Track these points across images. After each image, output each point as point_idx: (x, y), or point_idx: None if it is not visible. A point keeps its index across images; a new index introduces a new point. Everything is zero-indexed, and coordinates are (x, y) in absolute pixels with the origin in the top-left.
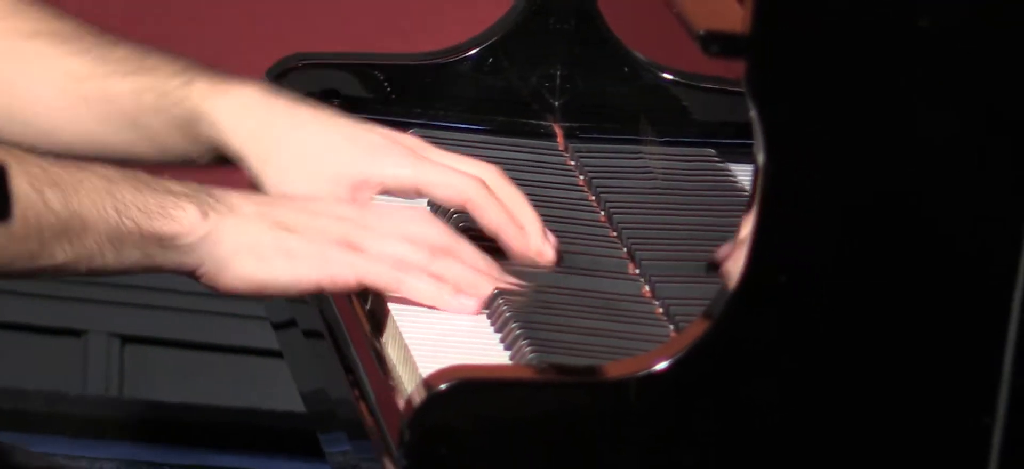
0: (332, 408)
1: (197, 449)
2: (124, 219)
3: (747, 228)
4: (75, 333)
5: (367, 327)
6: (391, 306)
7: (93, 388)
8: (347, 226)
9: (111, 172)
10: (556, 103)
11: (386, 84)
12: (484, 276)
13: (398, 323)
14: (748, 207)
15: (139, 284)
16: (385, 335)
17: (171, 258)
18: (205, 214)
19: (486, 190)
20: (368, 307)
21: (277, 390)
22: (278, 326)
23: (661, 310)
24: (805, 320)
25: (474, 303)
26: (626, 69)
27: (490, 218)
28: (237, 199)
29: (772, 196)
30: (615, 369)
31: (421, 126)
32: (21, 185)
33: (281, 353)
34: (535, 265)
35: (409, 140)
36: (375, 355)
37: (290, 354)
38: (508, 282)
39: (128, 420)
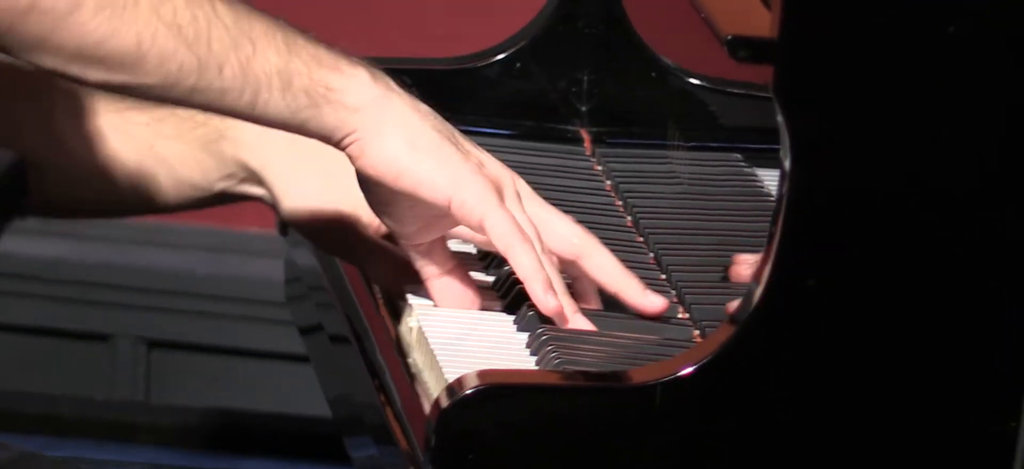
0: (358, 413)
1: (224, 454)
2: (294, 58)
3: (772, 233)
4: (102, 338)
5: (393, 331)
6: (417, 309)
7: (120, 393)
8: (504, 177)
9: (284, 21)
10: (583, 108)
11: (414, 88)
12: (562, 305)
13: (424, 327)
14: (775, 212)
15: (166, 289)
16: (412, 340)
17: (335, 114)
18: (375, 80)
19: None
20: (395, 312)
21: (303, 395)
22: (305, 331)
23: (687, 315)
24: (831, 326)
25: (553, 306)
26: (653, 74)
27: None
28: (416, 99)
29: (799, 201)
30: (640, 374)
31: None
32: None
33: (308, 358)
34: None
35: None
36: (401, 359)
37: (316, 359)
38: (646, 301)
39: (155, 425)
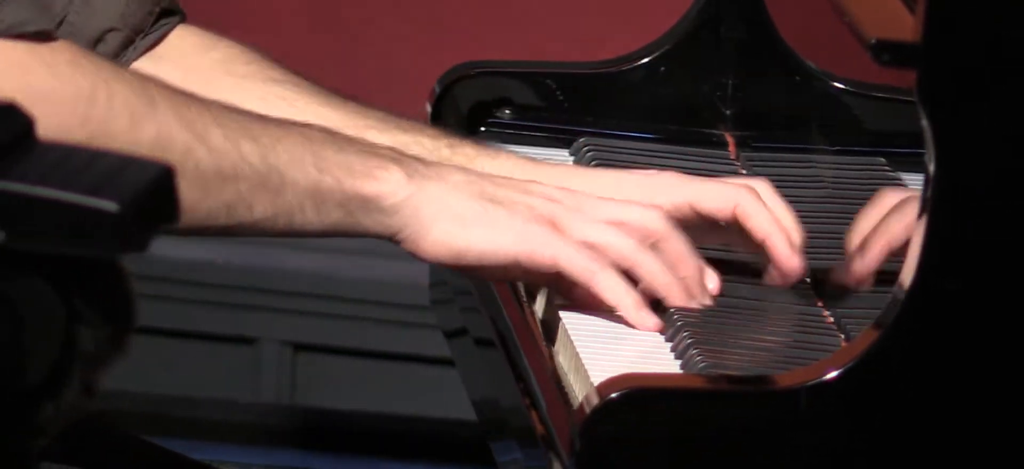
0: (503, 416)
1: (368, 457)
2: (325, 176)
3: (917, 237)
4: (248, 341)
5: (538, 335)
6: (562, 314)
7: (266, 396)
8: (555, 207)
9: (312, 131)
10: (727, 112)
11: (558, 92)
12: (678, 284)
13: (569, 331)
14: (919, 216)
15: (312, 292)
16: (556, 343)
17: (374, 220)
18: (410, 176)
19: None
20: (540, 315)
21: (448, 398)
22: (450, 334)
23: (832, 319)
24: (976, 329)
25: (653, 323)
26: (797, 78)
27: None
28: (445, 166)
29: (942, 205)
30: (785, 379)
31: (592, 134)
32: (215, 137)
33: (453, 361)
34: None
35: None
36: (546, 363)
37: (462, 362)
38: (703, 291)
39: (300, 427)
